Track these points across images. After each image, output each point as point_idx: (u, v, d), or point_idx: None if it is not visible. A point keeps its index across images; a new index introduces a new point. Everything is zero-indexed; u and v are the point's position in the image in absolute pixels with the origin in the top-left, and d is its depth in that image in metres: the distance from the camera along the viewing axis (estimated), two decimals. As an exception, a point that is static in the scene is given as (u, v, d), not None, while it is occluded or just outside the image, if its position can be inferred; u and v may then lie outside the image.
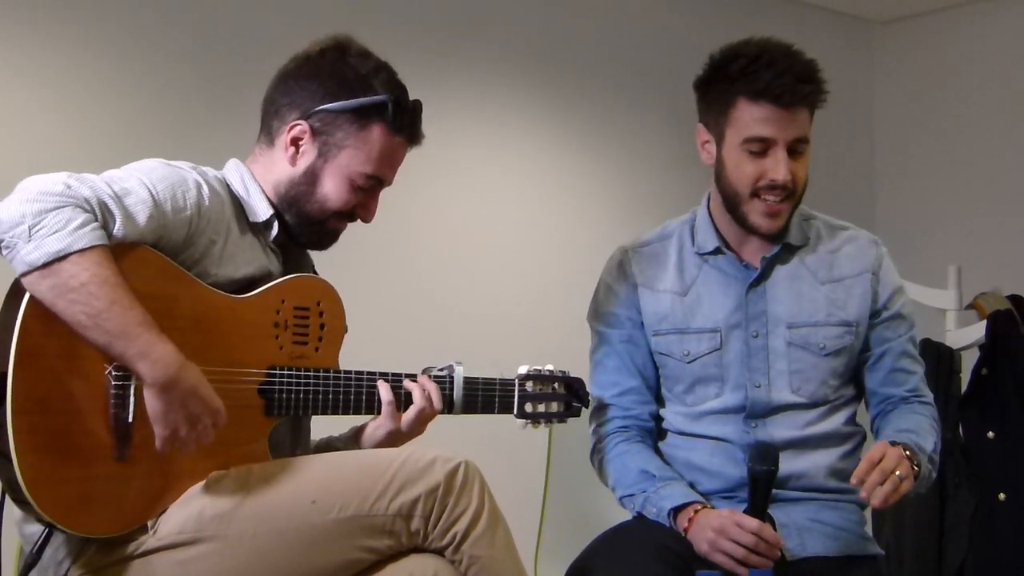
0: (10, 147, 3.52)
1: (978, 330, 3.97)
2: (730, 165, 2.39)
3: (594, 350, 2.56)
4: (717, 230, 2.48)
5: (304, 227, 2.24)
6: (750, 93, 2.33)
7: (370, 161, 2.21)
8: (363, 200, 2.24)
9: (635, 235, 2.60)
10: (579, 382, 2.44)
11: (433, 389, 2.26)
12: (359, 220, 2.27)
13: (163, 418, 1.96)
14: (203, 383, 1.99)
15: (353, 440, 2.33)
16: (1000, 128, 5.16)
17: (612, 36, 4.81)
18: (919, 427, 2.39)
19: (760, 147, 2.35)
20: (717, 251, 2.47)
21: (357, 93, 2.19)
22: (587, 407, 2.47)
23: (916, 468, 2.25)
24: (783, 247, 2.46)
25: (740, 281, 2.46)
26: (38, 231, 1.87)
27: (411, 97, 2.25)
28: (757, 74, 2.32)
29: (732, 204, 2.41)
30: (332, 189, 2.21)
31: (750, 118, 2.34)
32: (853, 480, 2.20)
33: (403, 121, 2.22)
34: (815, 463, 2.41)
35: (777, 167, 2.34)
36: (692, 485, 2.41)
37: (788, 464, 2.36)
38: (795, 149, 2.36)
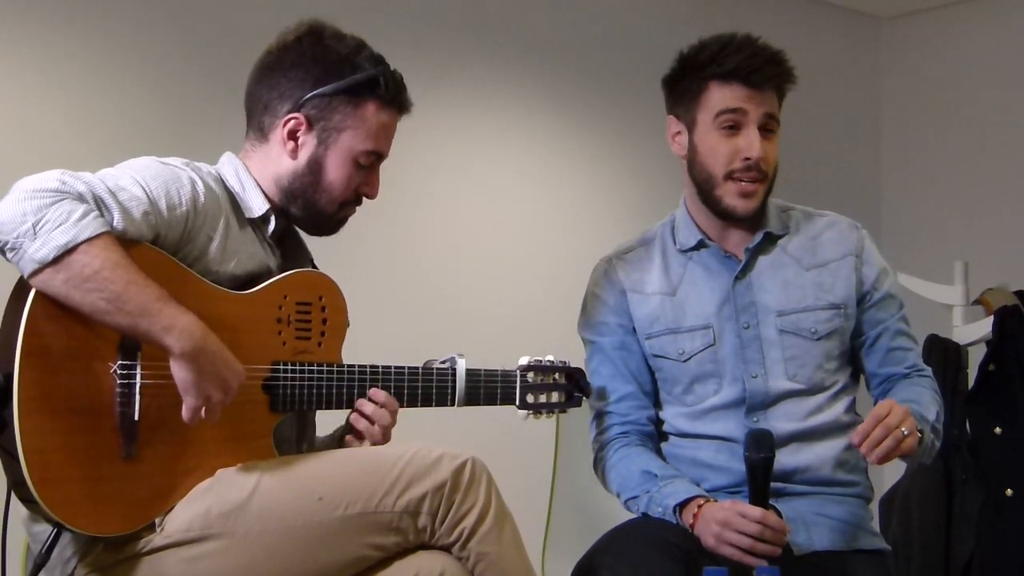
0: (12, 144, 3.51)
1: (985, 326, 3.96)
2: (703, 149, 2.42)
3: (588, 360, 2.56)
4: (697, 225, 2.49)
5: (312, 217, 2.25)
6: (721, 75, 2.40)
7: (370, 137, 2.22)
8: (365, 178, 2.25)
9: (616, 245, 2.60)
10: (580, 372, 2.45)
11: (375, 412, 2.22)
12: (365, 199, 2.28)
13: (195, 387, 1.96)
14: (225, 347, 2.00)
15: (335, 444, 2.31)
16: (1007, 124, 5.15)
17: (620, 35, 4.80)
18: (920, 397, 2.41)
19: (732, 120, 2.39)
20: (700, 245, 2.49)
21: (346, 73, 2.20)
22: (588, 397, 2.48)
23: (919, 433, 2.26)
24: (765, 237, 2.47)
25: (725, 274, 2.47)
26: (42, 227, 1.88)
27: (406, 84, 2.27)
28: (727, 57, 2.39)
29: (706, 189, 2.43)
30: (337, 175, 2.21)
31: (721, 97, 2.40)
32: (855, 439, 2.20)
33: (393, 92, 2.23)
34: (819, 456, 2.41)
35: (750, 144, 2.39)
36: (698, 482, 2.40)
37: (792, 458, 2.38)
38: (766, 127, 2.41)
